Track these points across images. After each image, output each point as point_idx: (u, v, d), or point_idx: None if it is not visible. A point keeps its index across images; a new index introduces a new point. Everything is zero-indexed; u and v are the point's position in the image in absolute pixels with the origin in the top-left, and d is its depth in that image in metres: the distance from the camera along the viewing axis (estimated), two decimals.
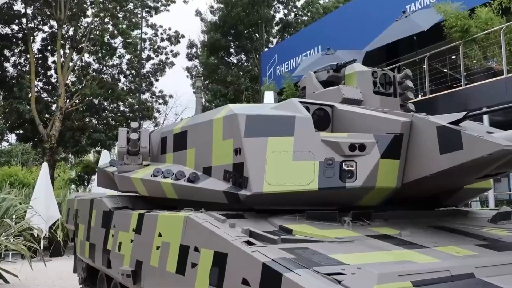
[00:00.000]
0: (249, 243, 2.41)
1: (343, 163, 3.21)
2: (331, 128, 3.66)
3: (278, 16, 31.31)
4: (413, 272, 2.00)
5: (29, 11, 26.54)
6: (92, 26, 27.77)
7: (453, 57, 11.41)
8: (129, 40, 28.38)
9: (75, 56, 27.54)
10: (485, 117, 9.70)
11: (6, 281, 9.38)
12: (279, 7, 30.79)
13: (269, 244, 2.49)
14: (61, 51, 26.69)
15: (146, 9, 29.74)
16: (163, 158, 4.81)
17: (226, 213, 3.34)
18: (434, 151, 3.06)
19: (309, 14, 30.23)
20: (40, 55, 28.07)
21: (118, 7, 28.57)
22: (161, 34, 30.14)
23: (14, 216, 9.65)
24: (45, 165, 14.72)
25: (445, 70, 12.36)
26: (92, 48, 28.01)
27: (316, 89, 4.65)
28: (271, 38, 31.47)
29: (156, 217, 3.60)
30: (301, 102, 3.57)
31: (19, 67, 27.61)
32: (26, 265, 9.06)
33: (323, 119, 3.62)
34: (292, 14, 31.32)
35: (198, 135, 4.10)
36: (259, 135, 3.37)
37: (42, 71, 27.98)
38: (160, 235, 3.46)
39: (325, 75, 4.76)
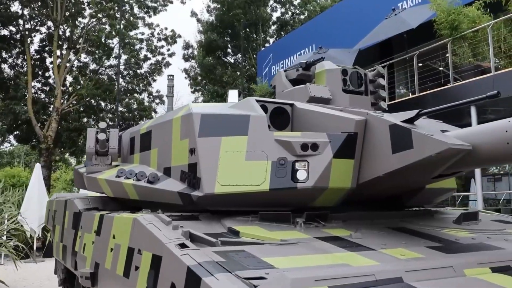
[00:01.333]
0: (182, 245, 2.34)
1: (296, 163, 3.13)
2: (291, 127, 3.59)
3: (275, 15, 31.27)
4: (335, 277, 1.93)
5: (26, 12, 26.59)
6: (89, 26, 27.78)
7: (447, 55, 11.31)
8: (126, 40, 28.39)
9: (72, 57, 27.57)
10: (474, 117, 9.61)
11: None
12: (276, 6, 30.74)
13: (206, 246, 2.43)
14: (58, 52, 26.73)
15: (145, 10, 29.81)
16: (131, 158, 4.75)
17: (180, 215, 3.29)
18: (387, 150, 2.99)
19: (306, 13, 30.19)
20: (38, 56, 28.13)
21: (116, 8, 28.63)
22: (158, 34, 30.17)
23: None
24: (38, 166, 14.69)
25: (440, 68, 12.28)
26: (89, 48, 28.01)
27: (286, 88, 4.58)
28: (268, 38, 31.45)
29: (112, 219, 3.54)
30: (258, 101, 3.50)
31: (16, 68, 27.70)
32: (19, 266, 9.07)
33: (282, 119, 3.55)
34: (290, 13, 31.26)
35: (160, 135, 4.04)
36: (213, 134, 3.30)
37: (40, 72, 28.04)
38: (114, 237, 3.41)
39: (294, 74, 4.69)
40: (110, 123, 26.53)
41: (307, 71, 4.67)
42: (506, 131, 2.56)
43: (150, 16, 30.03)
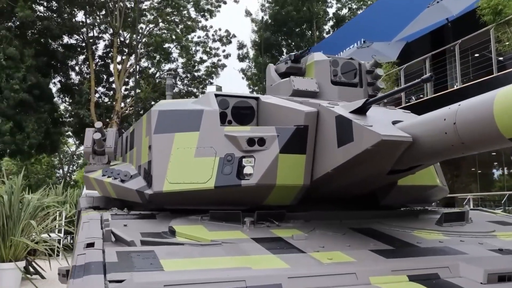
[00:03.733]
0: (89, 245, 2.28)
1: (243, 159, 2.97)
2: (256, 122, 3.42)
3: (331, 11, 30.69)
4: (199, 281, 1.77)
5: (89, 21, 28.11)
6: (147, 32, 28.85)
7: (496, 44, 10.45)
8: (183, 44, 29.14)
9: (132, 62, 28.76)
10: None
11: (42, 277, 9.94)
12: (331, 2, 30.16)
13: (120, 246, 2.36)
14: (119, 58, 28.03)
15: (202, 13, 30.46)
16: (125, 157, 4.80)
17: (139, 213, 3.25)
18: (334, 144, 2.75)
19: (363, 7, 29.35)
20: (102, 62, 29.66)
21: (175, 12, 29.54)
22: (213, 35, 30.69)
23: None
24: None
25: (494, 57, 11.38)
26: (148, 53, 29.08)
27: (274, 82, 4.40)
28: (325, 35, 30.91)
29: (83, 218, 3.57)
30: (219, 95, 3.36)
31: (83, 74, 29.34)
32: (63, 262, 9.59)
33: (246, 113, 3.39)
34: (346, 9, 30.56)
35: (137, 134, 4.03)
36: (168, 131, 3.22)
37: (104, 77, 29.52)
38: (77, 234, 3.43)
39: (284, 67, 4.49)
40: None
41: (296, 63, 4.46)
42: (445, 119, 2.25)
43: (206, 19, 30.66)
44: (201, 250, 2.32)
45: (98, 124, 4.89)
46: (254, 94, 3.49)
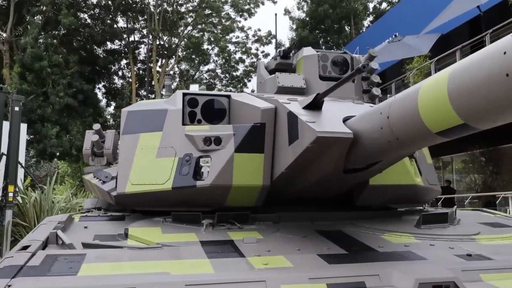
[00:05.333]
0: (24, 248, 2.28)
1: (200, 159, 2.88)
2: (228, 120, 3.32)
3: (371, 6, 29.97)
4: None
5: (130, 26, 28.92)
6: (186, 35, 29.32)
7: None
8: (221, 44, 29.40)
9: (172, 64, 29.35)
10: None
11: None
12: None
13: (62, 249, 2.35)
14: (160, 61, 28.67)
15: (240, 14, 30.64)
16: None
17: (110, 215, 3.25)
18: (286, 141, 2.61)
19: None
20: (144, 66, 30.43)
21: (214, 14, 29.90)
22: (253, 36, 30.77)
23: None
24: None
25: None
26: (186, 55, 29.58)
27: (263, 79, 4.30)
28: (364, 30, 30.24)
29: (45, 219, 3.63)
30: (187, 94, 3.28)
31: (126, 78, 30.25)
32: None
33: (216, 112, 3.28)
34: (386, 3, 29.75)
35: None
36: (134, 131, 3.19)
37: (146, 80, 30.28)
38: None
39: (273, 63, 4.38)
40: None
41: (285, 59, 4.33)
42: (381, 113, 2.08)
43: (245, 19, 30.77)
44: (135, 254, 2.27)
45: (96, 126, 4.95)
46: (227, 92, 3.38)
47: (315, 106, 2.52)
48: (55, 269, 2.00)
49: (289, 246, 2.46)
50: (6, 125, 9.13)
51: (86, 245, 2.42)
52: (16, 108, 9.12)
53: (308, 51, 4.17)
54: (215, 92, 3.53)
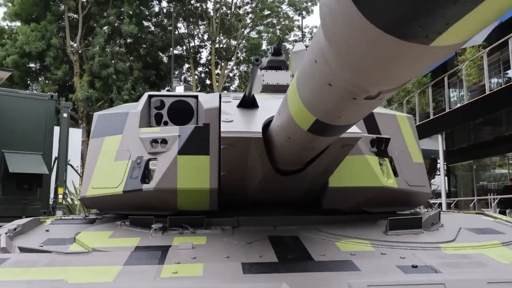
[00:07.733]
0: None
1: (149, 162, 2.83)
2: (196, 121, 3.24)
3: None
4: None
5: (189, 31, 29.76)
6: (244, 37, 29.63)
7: None
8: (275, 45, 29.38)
9: (232, 67, 29.79)
10: None
11: None
12: None
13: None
14: (221, 64, 29.19)
15: (298, 12, 30.47)
16: None
17: (83, 218, 3.30)
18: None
19: None
20: (206, 69, 31.25)
21: (273, 14, 30.02)
22: (309, 33, 30.37)
23: None
24: None
25: None
26: (245, 57, 29.90)
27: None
28: None
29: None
30: (154, 95, 3.24)
31: (189, 82, 31.13)
32: None
33: (184, 113, 3.21)
34: None
35: None
36: (101, 135, 3.21)
37: (208, 83, 31.02)
38: None
39: (265, 61, 4.24)
40: None
41: (278, 56, 4.17)
42: (279, 114, 1.92)
43: (304, 17, 30.51)
44: (54, 260, 2.27)
45: None
46: (194, 93, 3.30)
47: (249, 104, 2.39)
48: None
49: (221, 253, 2.36)
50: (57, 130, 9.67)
51: (22, 249, 2.47)
52: (65, 115, 9.67)
53: (298, 46, 4.01)
54: (184, 93, 3.48)
